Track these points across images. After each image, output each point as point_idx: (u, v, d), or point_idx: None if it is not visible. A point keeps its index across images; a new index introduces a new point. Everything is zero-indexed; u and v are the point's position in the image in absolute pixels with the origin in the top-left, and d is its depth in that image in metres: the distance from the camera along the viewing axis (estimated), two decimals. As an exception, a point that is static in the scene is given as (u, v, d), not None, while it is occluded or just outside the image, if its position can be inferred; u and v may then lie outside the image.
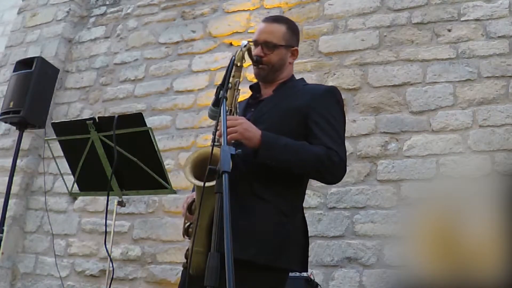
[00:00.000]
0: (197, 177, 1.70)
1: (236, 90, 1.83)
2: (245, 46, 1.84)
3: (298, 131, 1.87)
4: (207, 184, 1.56)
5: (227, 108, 1.76)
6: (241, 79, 1.86)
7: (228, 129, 1.69)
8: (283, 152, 1.77)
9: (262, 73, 2.00)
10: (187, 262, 1.75)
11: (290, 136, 1.82)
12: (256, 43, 2.00)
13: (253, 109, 1.99)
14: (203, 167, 1.68)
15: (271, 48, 1.97)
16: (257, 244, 1.72)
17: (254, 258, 1.70)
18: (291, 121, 1.88)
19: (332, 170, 1.83)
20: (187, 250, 1.78)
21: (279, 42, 1.99)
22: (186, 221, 1.81)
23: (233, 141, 1.69)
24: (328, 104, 1.93)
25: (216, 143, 1.73)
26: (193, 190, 1.95)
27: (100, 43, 4.89)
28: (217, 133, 1.76)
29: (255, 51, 1.98)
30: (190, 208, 1.81)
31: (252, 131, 1.74)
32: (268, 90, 2.02)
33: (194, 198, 1.79)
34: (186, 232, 1.80)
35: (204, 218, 1.67)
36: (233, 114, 1.81)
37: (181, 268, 1.90)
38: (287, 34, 2.02)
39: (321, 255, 3.30)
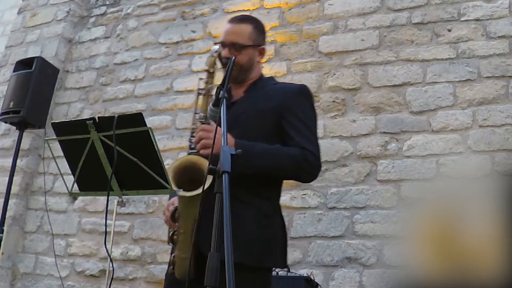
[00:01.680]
0: (179, 185, 1.72)
1: (209, 97, 1.85)
2: (216, 51, 1.85)
3: (274, 132, 1.89)
4: (190, 194, 1.62)
5: (201, 115, 1.81)
6: (214, 84, 1.87)
7: (202, 141, 1.74)
8: (260, 159, 1.79)
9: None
10: (173, 268, 1.79)
11: (266, 138, 1.84)
12: (223, 44, 1.99)
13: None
14: (186, 175, 1.71)
15: (239, 49, 1.97)
16: (244, 247, 1.73)
17: (243, 260, 1.71)
18: (266, 123, 1.89)
19: (309, 170, 1.86)
20: (173, 256, 1.81)
21: (246, 43, 1.98)
22: (170, 229, 1.83)
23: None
24: (301, 104, 1.94)
25: (192, 150, 1.78)
26: (170, 196, 1.99)
27: (100, 43, 4.89)
28: (194, 140, 1.79)
29: (223, 52, 1.97)
30: (173, 216, 1.82)
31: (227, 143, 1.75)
32: (239, 91, 2.02)
33: (177, 207, 1.81)
34: (171, 240, 1.82)
35: (188, 225, 1.71)
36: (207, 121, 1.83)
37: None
38: (253, 34, 2.02)
39: (321, 255, 3.30)
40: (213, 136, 1.57)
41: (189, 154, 1.83)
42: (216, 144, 1.70)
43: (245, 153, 1.74)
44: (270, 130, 1.88)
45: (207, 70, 1.86)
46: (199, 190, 1.59)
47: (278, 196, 1.98)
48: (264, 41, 2.10)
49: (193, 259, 1.70)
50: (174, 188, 1.72)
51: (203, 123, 1.83)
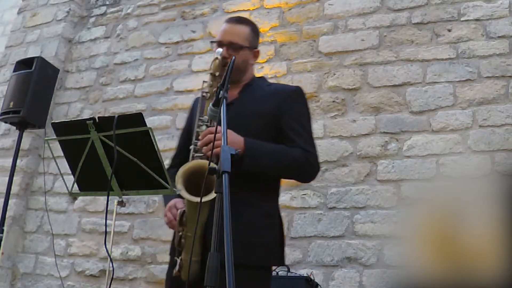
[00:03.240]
0: (188, 189, 1.72)
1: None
2: (220, 54, 1.87)
3: (270, 134, 1.91)
4: (198, 199, 1.61)
5: (205, 118, 1.82)
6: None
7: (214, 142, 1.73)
8: (267, 159, 1.82)
9: None
10: (179, 271, 1.79)
11: (262, 140, 1.85)
12: (221, 43, 2.00)
13: None
14: (194, 179, 1.71)
15: (237, 49, 1.98)
16: (249, 248, 1.76)
17: (247, 261, 1.72)
18: (263, 125, 1.91)
19: (310, 171, 1.94)
20: (181, 259, 1.80)
21: (244, 44, 2.00)
22: (179, 233, 1.83)
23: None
24: (298, 106, 1.99)
25: (198, 154, 1.79)
26: (166, 198, 2.00)
27: (100, 43, 4.89)
28: (199, 143, 1.80)
29: (222, 52, 1.96)
30: (181, 220, 1.82)
31: (236, 142, 1.76)
32: (233, 92, 2.01)
33: (184, 210, 1.81)
34: (179, 244, 1.82)
35: (198, 229, 1.70)
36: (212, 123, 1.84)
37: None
38: (250, 36, 2.04)
39: (321, 255, 3.30)
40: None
41: (194, 157, 1.84)
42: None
43: (253, 152, 1.77)
44: (266, 132, 1.90)
45: (211, 73, 1.86)
46: (210, 196, 1.60)
47: (278, 197, 2.02)
48: (258, 44, 2.13)
49: (201, 262, 1.72)
50: (180, 190, 1.72)
51: (208, 127, 1.84)
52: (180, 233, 1.81)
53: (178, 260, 1.81)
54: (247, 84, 2.04)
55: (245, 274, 1.57)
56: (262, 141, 1.85)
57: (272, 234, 1.87)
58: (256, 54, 2.08)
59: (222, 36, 2.02)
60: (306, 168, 1.90)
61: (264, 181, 1.87)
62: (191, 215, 1.76)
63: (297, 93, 2.03)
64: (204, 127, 1.86)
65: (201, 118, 1.89)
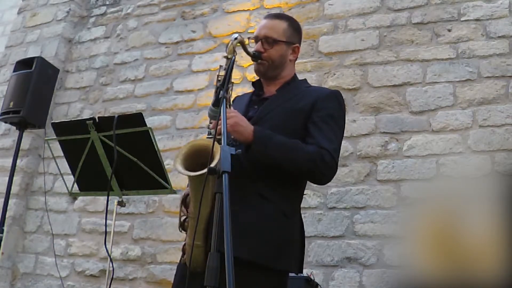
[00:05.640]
0: (189, 168, 1.66)
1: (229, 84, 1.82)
2: (235, 39, 1.81)
3: (301, 132, 1.87)
4: (197, 173, 1.58)
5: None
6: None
7: (219, 121, 1.68)
8: (275, 149, 1.76)
9: (261, 68, 1.99)
10: (184, 256, 1.74)
11: (292, 137, 1.82)
12: (257, 38, 1.99)
13: (256, 106, 1.98)
14: (195, 159, 1.67)
15: (271, 43, 1.96)
16: (258, 244, 1.71)
17: (255, 258, 1.69)
18: (294, 122, 1.88)
19: (324, 170, 1.81)
20: (184, 244, 1.76)
21: (280, 38, 1.98)
22: (181, 214, 1.79)
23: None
24: (329, 106, 1.93)
25: (212, 137, 1.70)
26: None
27: (100, 43, 4.89)
28: (212, 125, 1.75)
29: (256, 46, 1.97)
30: (184, 201, 1.78)
31: (243, 126, 1.74)
32: (271, 88, 2.01)
33: (189, 192, 1.77)
34: (182, 226, 1.78)
35: (201, 210, 1.62)
36: (228, 107, 1.79)
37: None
38: (288, 31, 2.01)
39: (321, 255, 3.30)
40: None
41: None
42: (232, 126, 1.70)
43: (261, 140, 1.74)
44: (297, 130, 1.86)
45: (225, 57, 1.79)
46: (203, 171, 1.51)
47: (300, 199, 1.95)
48: (299, 40, 2.08)
49: (204, 247, 1.65)
50: (181, 169, 1.65)
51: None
52: (184, 216, 1.76)
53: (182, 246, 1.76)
54: (287, 82, 2.02)
55: (245, 270, 1.55)
56: (295, 138, 1.81)
57: (284, 235, 1.77)
58: (295, 50, 2.04)
59: (258, 31, 2.00)
60: (320, 166, 1.78)
61: (286, 179, 1.81)
62: (195, 196, 1.67)
63: (333, 94, 1.99)
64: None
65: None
